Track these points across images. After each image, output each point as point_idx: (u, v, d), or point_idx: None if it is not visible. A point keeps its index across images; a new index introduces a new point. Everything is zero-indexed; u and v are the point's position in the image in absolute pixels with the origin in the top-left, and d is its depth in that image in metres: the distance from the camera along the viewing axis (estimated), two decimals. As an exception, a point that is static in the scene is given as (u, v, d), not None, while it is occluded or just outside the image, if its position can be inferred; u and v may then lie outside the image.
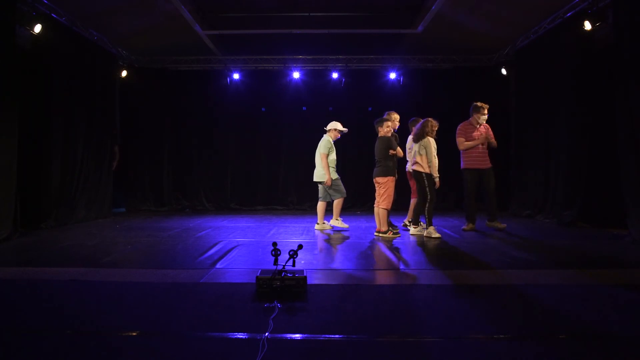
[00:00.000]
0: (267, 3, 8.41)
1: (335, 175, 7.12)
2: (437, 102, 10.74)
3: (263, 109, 10.77)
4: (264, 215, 9.75)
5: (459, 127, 7.27)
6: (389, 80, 10.55)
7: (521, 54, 9.39)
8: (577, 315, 2.96)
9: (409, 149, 7.07)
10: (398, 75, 10.52)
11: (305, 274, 3.47)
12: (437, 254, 5.20)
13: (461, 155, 7.16)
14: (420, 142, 6.42)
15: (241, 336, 2.59)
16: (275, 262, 3.50)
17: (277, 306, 3.08)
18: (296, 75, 10.37)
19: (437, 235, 6.23)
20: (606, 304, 3.25)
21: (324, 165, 7.02)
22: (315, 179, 7.24)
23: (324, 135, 7.35)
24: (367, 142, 10.85)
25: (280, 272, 3.38)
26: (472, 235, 6.60)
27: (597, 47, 7.01)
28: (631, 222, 5.82)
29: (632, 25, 5.78)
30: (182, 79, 10.71)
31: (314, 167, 10.90)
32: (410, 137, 7.13)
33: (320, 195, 7.24)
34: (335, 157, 7.30)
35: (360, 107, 10.81)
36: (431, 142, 6.38)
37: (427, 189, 6.33)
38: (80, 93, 8.12)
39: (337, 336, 2.59)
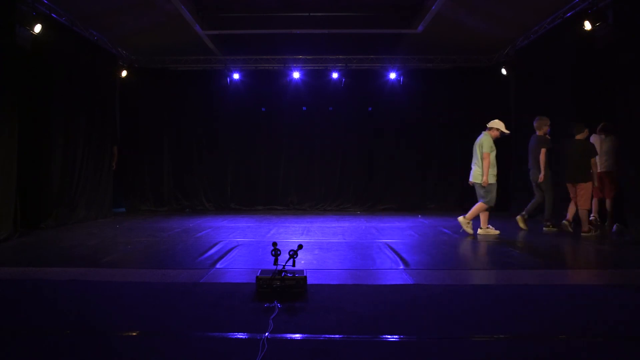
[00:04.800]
0: (267, 3, 8.41)
1: (493, 180, 6.44)
2: (437, 102, 10.76)
3: (263, 109, 10.78)
4: (264, 215, 9.75)
5: None
6: (389, 80, 10.55)
7: (521, 54, 9.38)
8: (577, 316, 2.96)
9: None
10: (398, 75, 10.51)
11: (305, 274, 3.46)
12: (437, 253, 5.20)
13: None
14: None
15: (241, 336, 2.59)
16: (275, 262, 3.50)
17: (277, 306, 3.08)
18: (296, 75, 10.37)
19: None
20: (606, 304, 3.25)
21: (486, 165, 6.34)
22: (473, 179, 6.58)
23: (485, 132, 6.61)
24: (367, 142, 10.89)
25: (280, 272, 3.38)
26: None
27: (597, 47, 7.01)
28: (631, 222, 5.82)
29: (632, 25, 5.78)
30: (182, 79, 10.71)
31: (313, 167, 11.03)
32: None
33: (481, 197, 6.60)
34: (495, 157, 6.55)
35: (360, 107, 10.83)
36: None
37: None
38: (80, 93, 8.12)
39: (337, 336, 2.59)
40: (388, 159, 10.80)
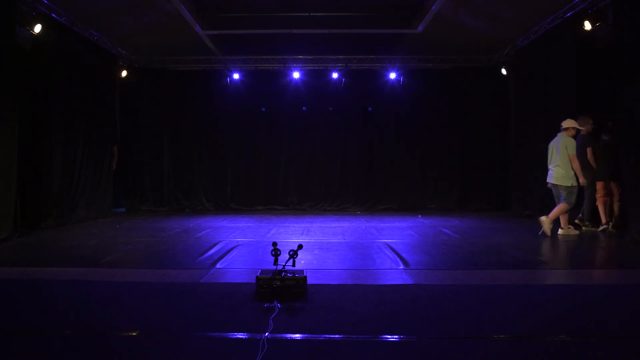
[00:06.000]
0: (267, 3, 8.41)
1: (575, 182, 6.31)
2: (437, 102, 10.77)
3: (263, 109, 10.78)
4: (264, 215, 9.75)
5: None
6: (388, 80, 10.54)
7: (521, 54, 9.38)
8: (577, 316, 2.96)
9: None
10: (398, 75, 10.51)
11: (305, 274, 3.46)
12: (437, 253, 5.20)
13: None
14: None
15: (241, 336, 2.59)
16: (275, 262, 3.49)
17: (277, 306, 3.08)
18: (296, 75, 10.36)
19: None
20: (606, 304, 3.25)
21: (577, 166, 6.25)
22: (554, 182, 6.41)
23: (562, 133, 6.48)
24: (367, 142, 10.89)
25: (280, 272, 3.38)
26: (473, 235, 6.62)
27: (597, 47, 7.01)
28: (631, 222, 5.82)
29: (632, 25, 5.78)
30: (182, 79, 10.72)
31: (313, 167, 11.02)
32: None
33: (563, 199, 6.39)
34: None
35: (360, 107, 10.83)
36: None
37: None
38: (80, 93, 8.12)
39: (337, 336, 2.59)
40: (388, 159, 10.80)
